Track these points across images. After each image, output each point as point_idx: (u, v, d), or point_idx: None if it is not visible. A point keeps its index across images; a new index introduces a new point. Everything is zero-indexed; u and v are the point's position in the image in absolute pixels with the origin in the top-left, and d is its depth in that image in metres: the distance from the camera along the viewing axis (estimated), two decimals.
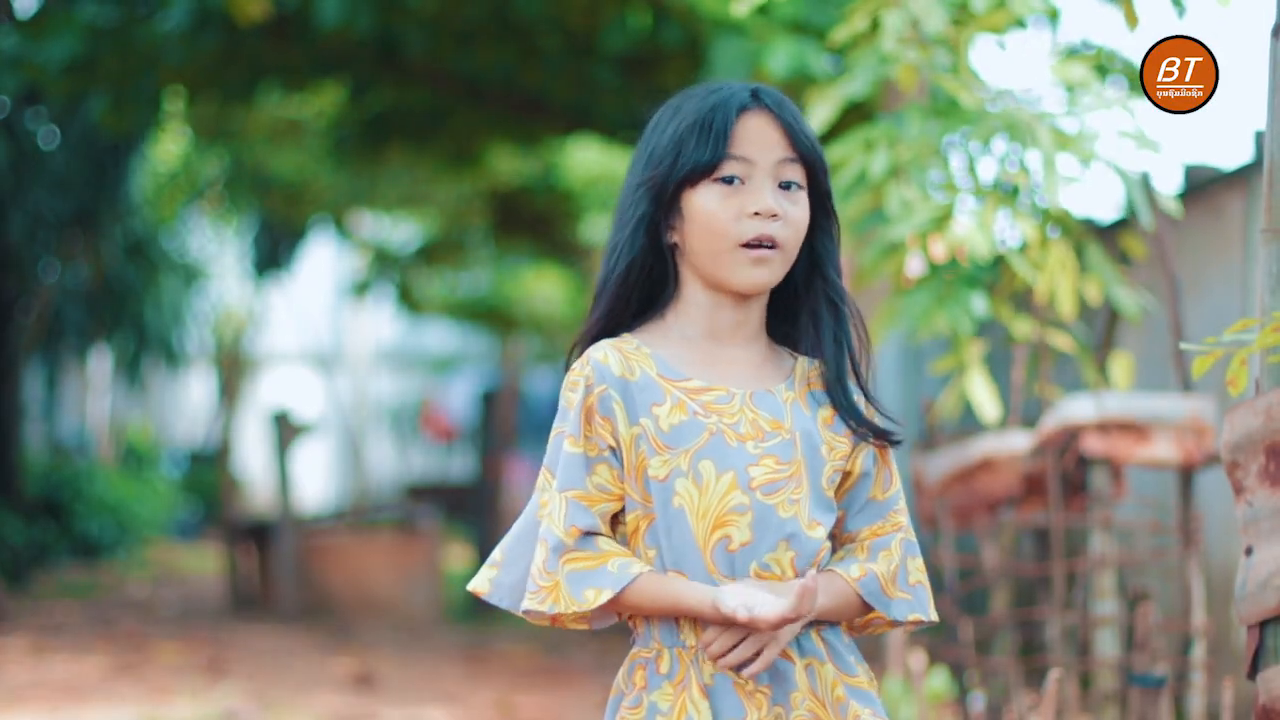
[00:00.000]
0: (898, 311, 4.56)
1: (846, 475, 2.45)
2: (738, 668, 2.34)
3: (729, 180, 2.39)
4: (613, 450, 2.39)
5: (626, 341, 2.43)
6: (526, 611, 2.40)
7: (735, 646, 2.33)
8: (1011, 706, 4.76)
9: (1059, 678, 4.17)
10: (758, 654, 2.34)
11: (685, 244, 2.43)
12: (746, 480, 2.35)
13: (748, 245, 2.38)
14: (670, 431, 2.37)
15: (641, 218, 2.42)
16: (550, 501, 2.40)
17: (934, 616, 2.48)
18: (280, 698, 7.84)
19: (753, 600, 2.29)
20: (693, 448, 2.36)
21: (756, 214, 2.38)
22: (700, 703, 2.34)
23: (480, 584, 2.47)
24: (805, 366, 2.48)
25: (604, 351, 2.41)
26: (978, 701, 5.00)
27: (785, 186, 2.41)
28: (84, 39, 8.93)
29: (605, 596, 2.33)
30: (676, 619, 2.37)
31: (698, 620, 2.35)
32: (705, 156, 2.38)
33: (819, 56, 6.37)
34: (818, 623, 2.41)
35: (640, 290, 2.45)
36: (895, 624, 2.46)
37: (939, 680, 5.76)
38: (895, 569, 2.45)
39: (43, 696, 7.86)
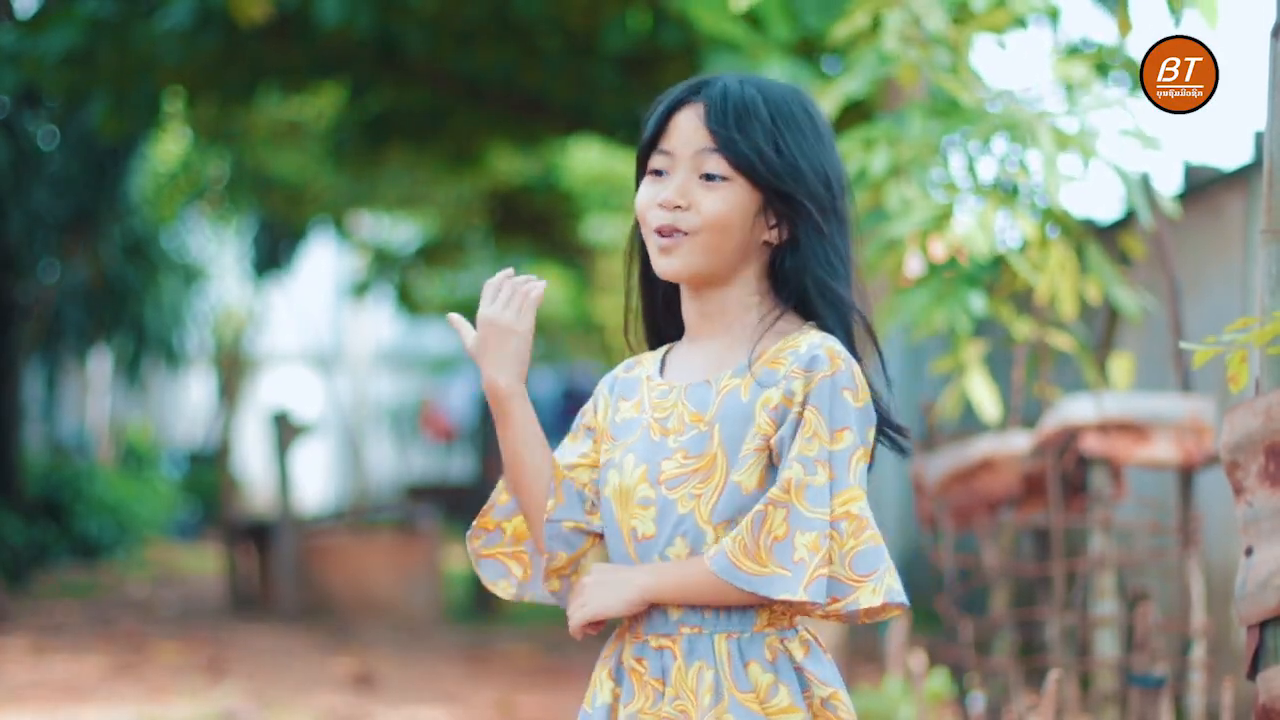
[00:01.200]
0: (897, 310, 4.56)
1: (771, 448, 2.36)
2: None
3: (657, 173, 2.45)
4: (590, 432, 2.54)
5: (658, 350, 2.55)
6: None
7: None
8: (1011, 707, 4.76)
9: (1059, 678, 4.16)
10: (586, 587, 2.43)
11: None
12: (656, 474, 2.40)
13: (655, 233, 2.44)
14: (620, 424, 2.48)
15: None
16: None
17: (801, 596, 2.29)
18: (280, 698, 7.84)
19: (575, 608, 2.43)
20: (628, 441, 2.46)
21: (660, 205, 2.43)
22: (606, 682, 2.45)
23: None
24: (780, 342, 2.40)
25: (626, 359, 2.59)
26: (977, 702, 5.00)
27: (708, 178, 2.42)
28: (82, 32, 8.92)
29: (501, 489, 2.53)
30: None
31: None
32: (640, 151, 2.48)
33: (813, 76, 6.36)
34: (729, 624, 2.36)
35: (645, 274, 2.53)
36: (780, 604, 2.33)
37: (939, 681, 5.77)
38: (771, 541, 2.30)
39: (43, 696, 7.86)
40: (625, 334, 2.59)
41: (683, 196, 2.42)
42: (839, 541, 2.32)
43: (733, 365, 2.43)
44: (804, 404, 2.35)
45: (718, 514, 2.37)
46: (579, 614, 2.41)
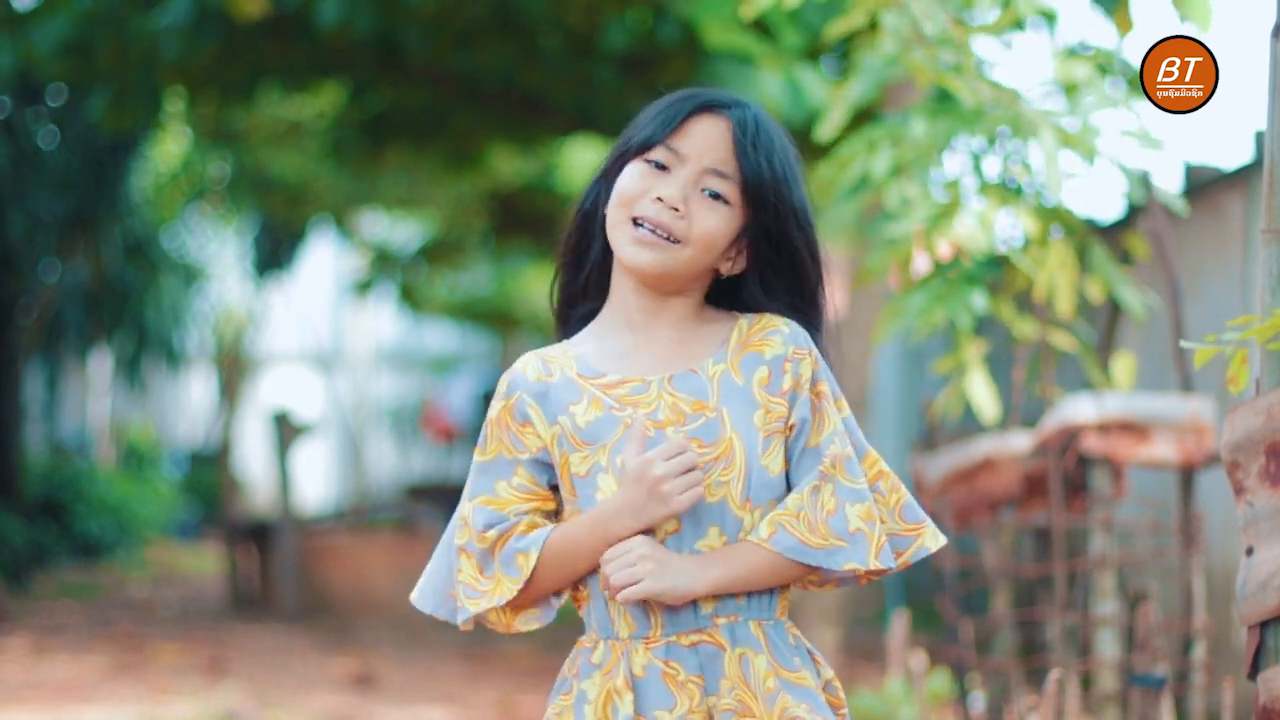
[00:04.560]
0: (898, 311, 4.55)
1: (791, 429, 2.40)
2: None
3: (658, 165, 2.40)
4: (540, 451, 2.42)
5: (556, 348, 2.48)
6: (467, 620, 2.48)
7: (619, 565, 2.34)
8: (1012, 707, 4.75)
9: (1059, 678, 4.16)
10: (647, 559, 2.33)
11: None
12: None
13: (636, 222, 2.38)
14: (587, 428, 2.39)
15: (594, 184, 2.48)
16: (463, 510, 2.45)
17: (874, 565, 2.36)
18: (280, 698, 7.84)
19: (620, 554, 2.32)
20: (609, 442, 2.37)
21: (659, 200, 2.38)
22: (624, 693, 2.35)
23: (412, 594, 2.57)
24: (746, 324, 2.44)
25: (525, 361, 2.47)
26: (978, 702, 5.00)
27: (711, 195, 2.40)
28: (77, 23, 8.92)
29: (533, 557, 2.37)
30: (611, 617, 2.39)
31: (629, 613, 2.37)
32: (645, 135, 2.41)
33: (817, 84, 6.36)
34: (758, 612, 2.37)
35: (579, 254, 2.49)
36: (837, 577, 2.38)
37: (940, 680, 5.77)
38: (824, 515, 2.35)
39: (43, 696, 7.86)
40: (551, 302, 2.54)
41: (684, 202, 2.39)
42: (883, 501, 2.42)
43: (704, 353, 2.42)
44: (813, 382, 2.40)
45: (753, 497, 2.36)
46: (633, 590, 2.31)
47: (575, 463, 2.39)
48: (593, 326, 2.48)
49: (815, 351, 2.42)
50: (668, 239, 2.38)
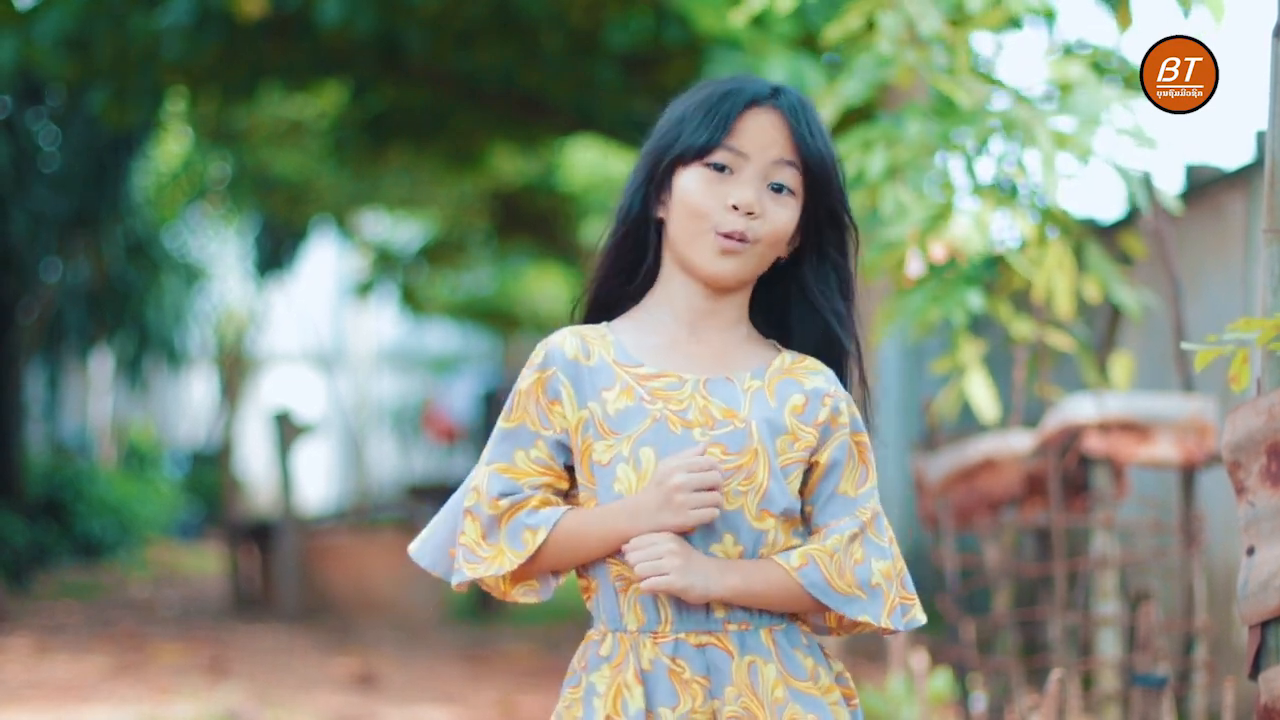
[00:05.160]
0: (896, 311, 4.55)
1: (814, 466, 2.40)
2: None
3: (719, 168, 2.38)
4: (562, 432, 2.40)
5: (595, 328, 2.45)
6: (462, 582, 2.43)
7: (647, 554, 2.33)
8: (1013, 707, 4.75)
9: (1061, 678, 4.16)
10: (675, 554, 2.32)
11: (668, 222, 2.43)
12: None
13: (720, 235, 2.37)
14: (616, 416, 2.37)
15: (638, 188, 2.44)
16: (477, 475, 2.44)
17: (886, 623, 2.39)
18: (282, 698, 7.84)
19: (649, 542, 2.31)
20: (635, 433, 2.36)
21: (734, 207, 2.37)
22: (634, 687, 2.34)
23: (412, 544, 2.53)
24: (790, 359, 2.44)
25: (563, 336, 2.44)
26: (979, 702, 5.00)
27: (776, 189, 2.40)
28: (78, 17, 8.91)
29: (541, 535, 2.36)
30: (620, 609, 2.38)
31: (639, 606, 2.37)
32: (701, 139, 2.38)
33: (817, 72, 6.36)
34: (769, 619, 2.38)
35: (632, 261, 2.46)
36: (846, 625, 2.40)
37: (941, 681, 5.77)
38: (852, 564, 2.37)
39: (44, 696, 7.86)
40: (572, 315, 2.50)
41: (759, 204, 2.39)
42: (894, 565, 2.42)
43: (744, 367, 2.41)
44: (854, 429, 2.41)
45: (773, 506, 2.36)
46: (657, 581, 2.30)
47: (599, 450, 2.37)
48: (635, 314, 2.46)
49: (853, 405, 2.44)
50: (742, 240, 2.38)
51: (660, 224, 2.44)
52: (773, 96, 2.40)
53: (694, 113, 2.40)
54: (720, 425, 2.36)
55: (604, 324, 2.46)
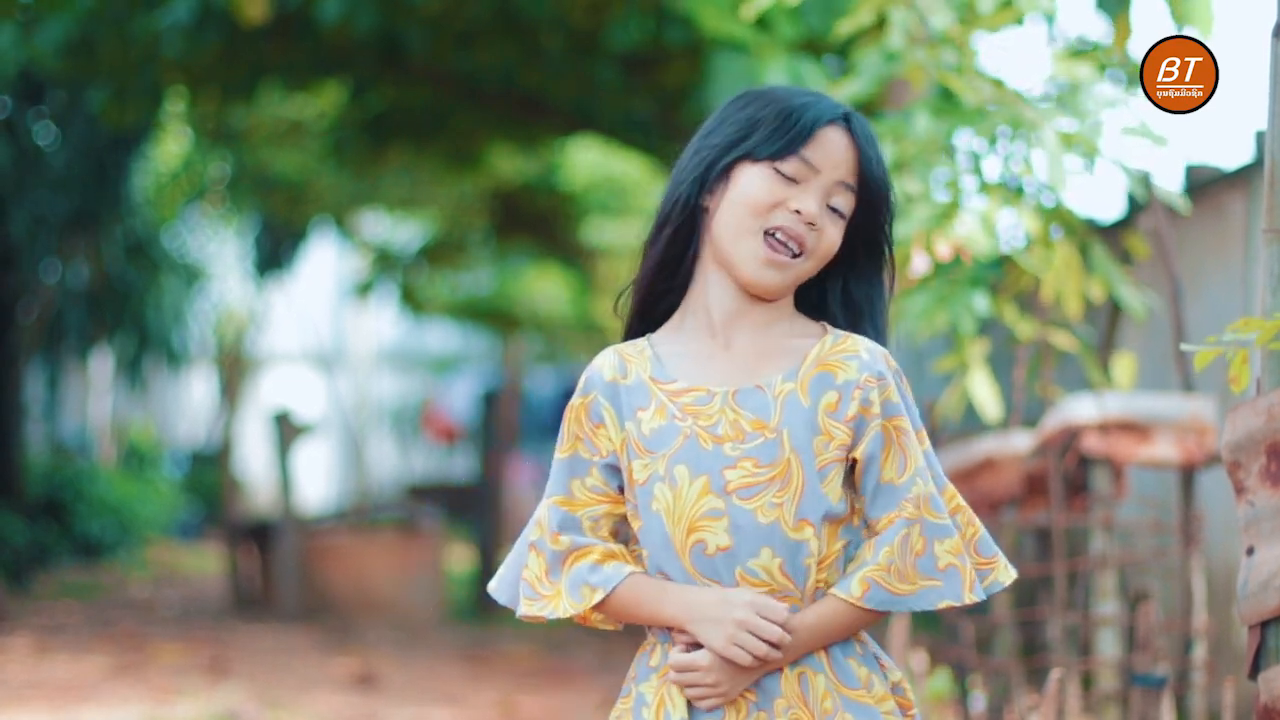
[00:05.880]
0: (900, 311, 4.55)
1: (855, 462, 2.38)
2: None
3: (787, 176, 2.38)
4: (610, 455, 2.41)
5: (635, 344, 2.46)
6: (525, 616, 2.45)
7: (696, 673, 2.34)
8: (1013, 707, 4.75)
9: (1060, 678, 4.16)
10: (714, 686, 2.33)
11: (715, 213, 2.41)
12: (721, 484, 2.34)
13: (770, 234, 2.37)
14: (650, 435, 2.38)
15: (695, 178, 2.42)
16: (539, 509, 2.46)
17: (970, 599, 2.37)
18: (282, 698, 7.84)
19: (687, 669, 2.33)
20: (669, 451, 2.36)
21: (797, 212, 2.37)
22: (677, 698, 2.35)
23: (491, 583, 2.53)
24: (831, 341, 2.42)
25: (604, 357, 2.45)
26: (979, 702, 5.00)
27: (832, 209, 2.40)
28: (81, 21, 8.92)
29: (598, 595, 2.38)
30: None
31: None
32: (777, 144, 2.37)
33: (817, 76, 6.37)
34: None
35: (676, 254, 2.44)
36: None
37: (940, 680, 5.77)
38: (913, 559, 2.35)
39: (44, 696, 7.86)
40: (617, 303, 2.50)
41: (820, 217, 2.39)
42: (961, 535, 2.40)
43: (777, 369, 2.40)
44: (887, 414, 2.38)
45: (811, 515, 2.34)
46: (707, 703, 2.34)
47: (637, 469, 2.38)
48: (675, 322, 2.46)
49: (893, 382, 2.40)
50: (796, 255, 2.38)
51: (704, 213, 2.42)
52: (846, 120, 2.41)
53: (771, 117, 2.39)
54: (750, 438, 2.35)
55: (645, 338, 2.46)
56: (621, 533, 2.45)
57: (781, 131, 2.37)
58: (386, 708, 7.70)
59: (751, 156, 2.38)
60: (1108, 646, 4.65)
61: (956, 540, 2.38)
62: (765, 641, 2.30)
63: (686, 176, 2.42)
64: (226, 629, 10.94)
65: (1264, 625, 2.73)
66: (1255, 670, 2.75)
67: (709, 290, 2.43)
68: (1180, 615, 4.71)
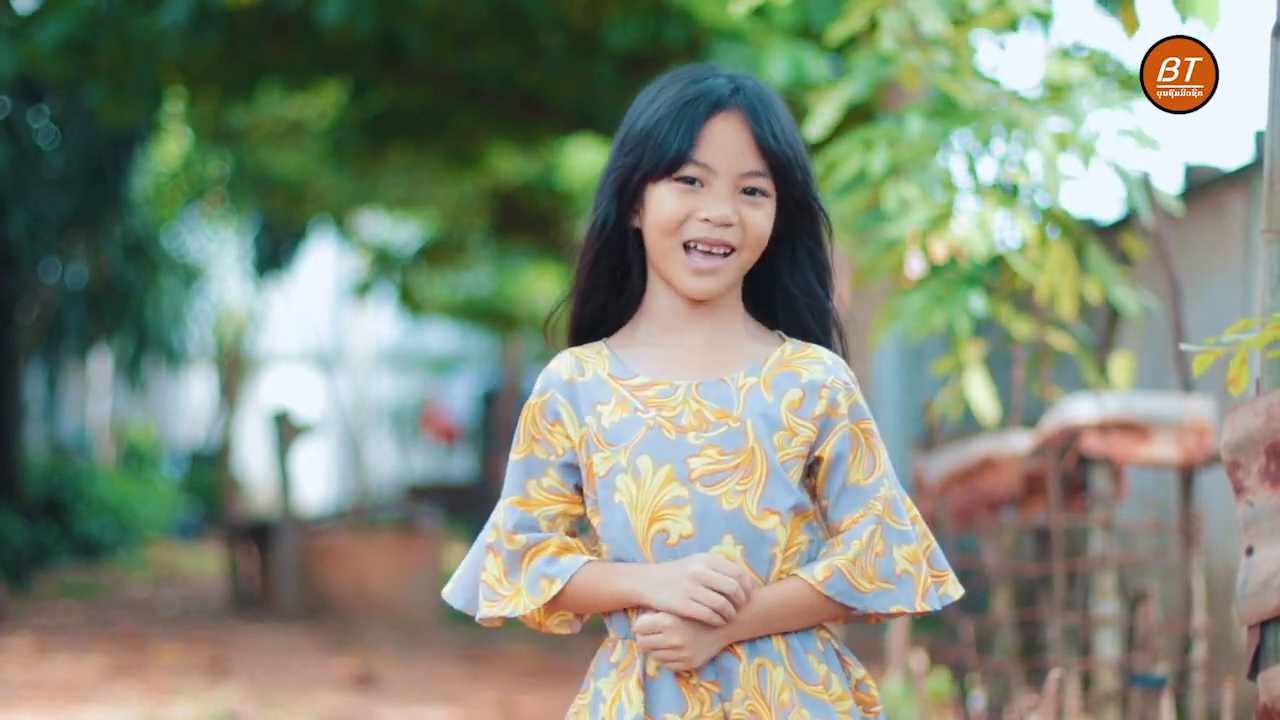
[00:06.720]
0: (896, 311, 4.55)
1: (818, 461, 2.40)
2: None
3: (689, 181, 2.38)
4: (567, 453, 2.42)
5: (590, 347, 2.47)
6: (484, 618, 2.45)
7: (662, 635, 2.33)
8: (1012, 707, 4.75)
9: (1060, 678, 4.17)
10: (679, 649, 2.32)
11: (645, 232, 2.43)
12: (685, 472, 2.35)
13: (688, 247, 2.38)
14: (611, 428, 2.38)
15: (609, 202, 2.43)
16: (496, 511, 2.46)
17: (921, 607, 2.39)
18: (281, 698, 7.84)
19: (651, 630, 2.31)
20: (631, 443, 2.37)
21: (707, 220, 2.37)
22: (635, 692, 2.35)
23: (445, 588, 2.54)
24: (790, 349, 2.44)
25: (559, 360, 2.47)
26: (978, 702, 5.00)
27: (749, 192, 2.40)
28: (79, 22, 8.92)
29: (557, 586, 2.38)
30: (627, 611, 2.38)
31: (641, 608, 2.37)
32: (668, 154, 2.38)
33: (818, 62, 6.38)
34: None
35: (614, 275, 2.45)
36: (881, 616, 2.40)
37: (940, 681, 5.77)
38: (873, 559, 2.36)
39: (44, 696, 7.86)
40: (548, 326, 2.53)
41: (735, 213, 2.39)
42: (920, 544, 2.42)
43: (739, 365, 2.41)
44: (855, 418, 2.41)
45: (775, 504, 2.35)
46: (674, 665, 2.33)
47: (598, 463, 2.38)
48: (629, 328, 2.47)
49: (857, 389, 2.43)
50: (725, 254, 2.39)
51: (639, 234, 2.44)
52: (732, 95, 2.39)
53: (658, 128, 2.39)
54: (714, 427, 2.37)
55: (601, 341, 2.47)
56: (578, 534, 2.46)
57: (670, 141, 2.37)
58: (386, 708, 7.70)
59: (653, 175, 2.39)
60: (1107, 646, 4.65)
61: (915, 548, 2.40)
62: (720, 593, 2.30)
63: (600, 201, 2.44)
64: (226, 629, 10.94)
65: (1263, 625, 2.73)
66: (1255, 670, 2.75)
67: (661, 302, 2.45)
68: (1180, 615, 4.71)
